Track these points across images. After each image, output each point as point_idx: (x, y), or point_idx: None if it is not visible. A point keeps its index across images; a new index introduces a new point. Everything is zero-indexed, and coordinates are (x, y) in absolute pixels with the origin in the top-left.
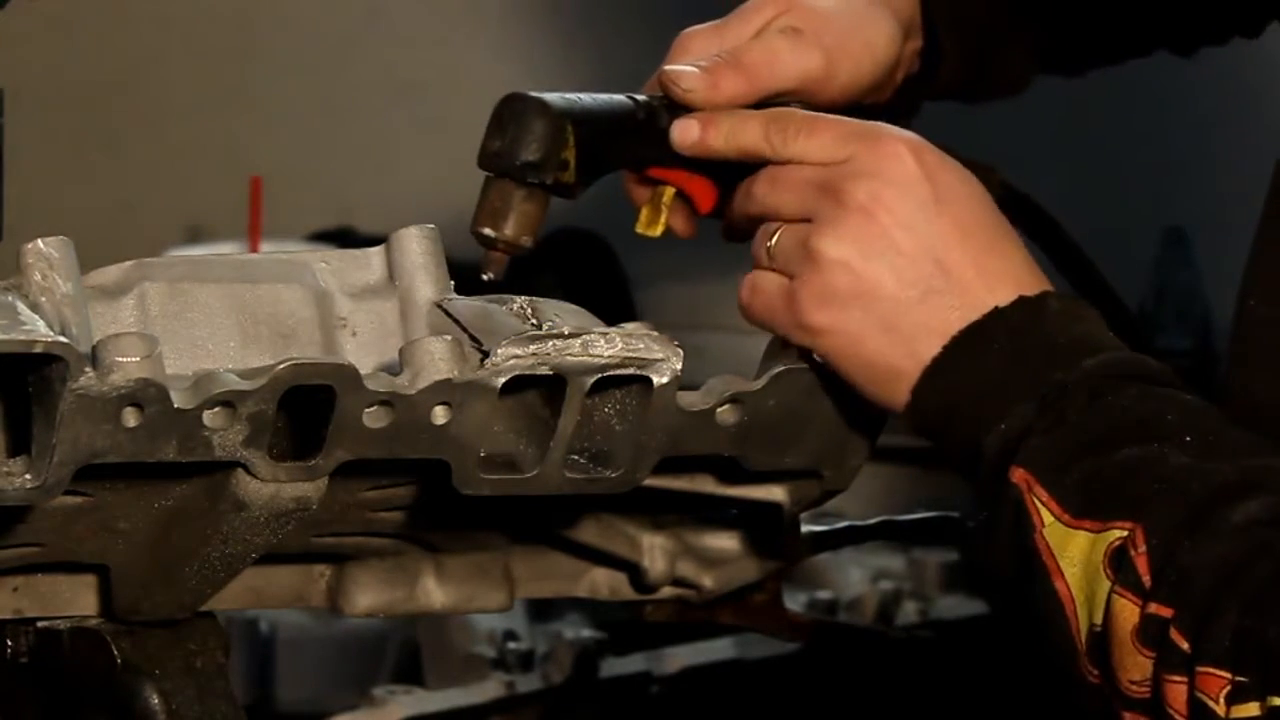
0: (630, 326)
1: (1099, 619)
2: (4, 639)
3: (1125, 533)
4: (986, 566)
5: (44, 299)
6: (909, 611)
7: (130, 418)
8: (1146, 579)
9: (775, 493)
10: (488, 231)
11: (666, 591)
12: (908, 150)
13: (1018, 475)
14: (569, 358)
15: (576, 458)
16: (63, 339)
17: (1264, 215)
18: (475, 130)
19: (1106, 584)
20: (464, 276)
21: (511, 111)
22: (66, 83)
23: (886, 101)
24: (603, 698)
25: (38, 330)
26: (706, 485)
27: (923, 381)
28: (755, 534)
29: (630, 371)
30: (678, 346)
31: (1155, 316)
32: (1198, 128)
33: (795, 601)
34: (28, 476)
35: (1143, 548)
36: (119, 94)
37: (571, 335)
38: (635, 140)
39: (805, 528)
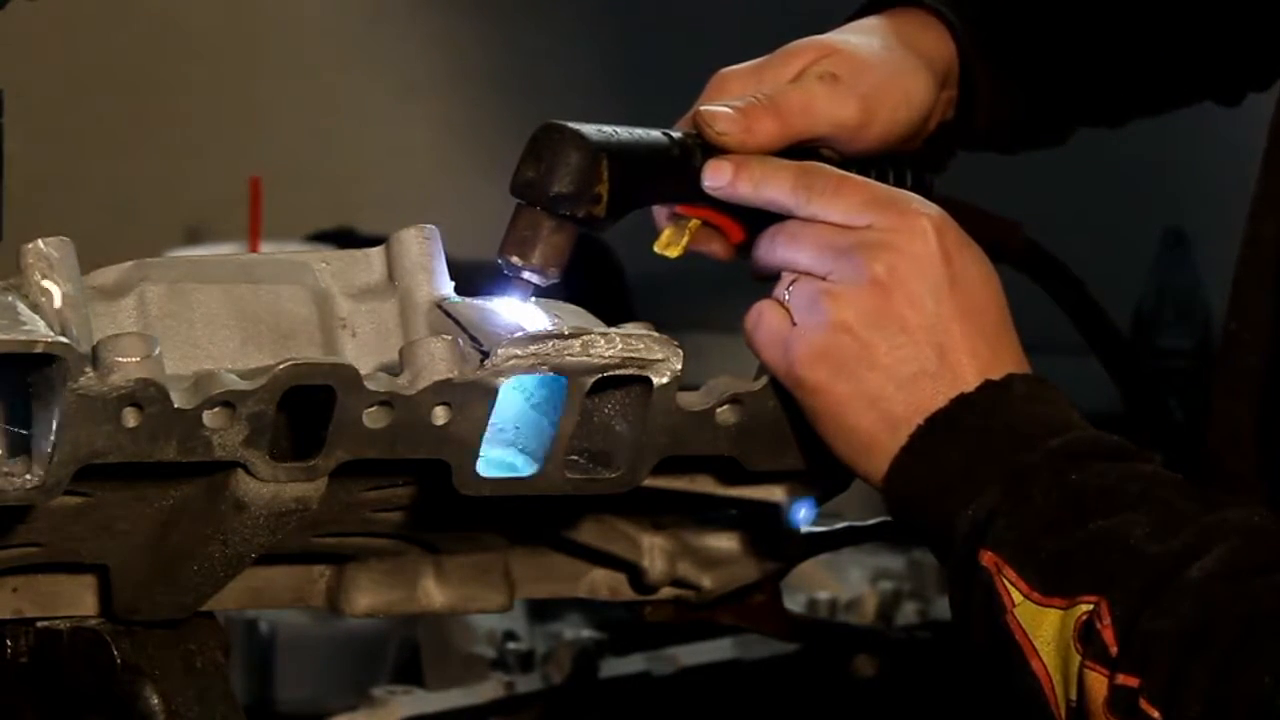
0: (630, 326)
1: (1074, 694)
2: (4, 639)
3: (1091, 606)
4: (964, 648)
5: (44, 299)
6: (909, 612)
7: (130, 418)
8: (1113, 649)
9: (775, 493)
10: (515, 260)
11: (666, 592)
12: (931, 227)
13: (986, 557)
14: (569, 358)
15: (576, 458)
16: (63, 339)
17: (1243, 241)
18: (475, 131)
19: (1078, 659)
20: (464, 276)
21: (547, 141)
22: (66, 83)
23: (917, 149)
24: (603, 698)
25: (38, 330)
26: (706, 485)
27: (894, 467)
28: (755, 534)
29: (630, 372)
30: (678, 347)
31: (1155, 316)
32: (1198, 128)
33: (795, 601)
34: (28, 476)
35: (1107, 619)
36: (119, 94)
37: (571, 335)
38: (667, 178)
39: (805, 528)
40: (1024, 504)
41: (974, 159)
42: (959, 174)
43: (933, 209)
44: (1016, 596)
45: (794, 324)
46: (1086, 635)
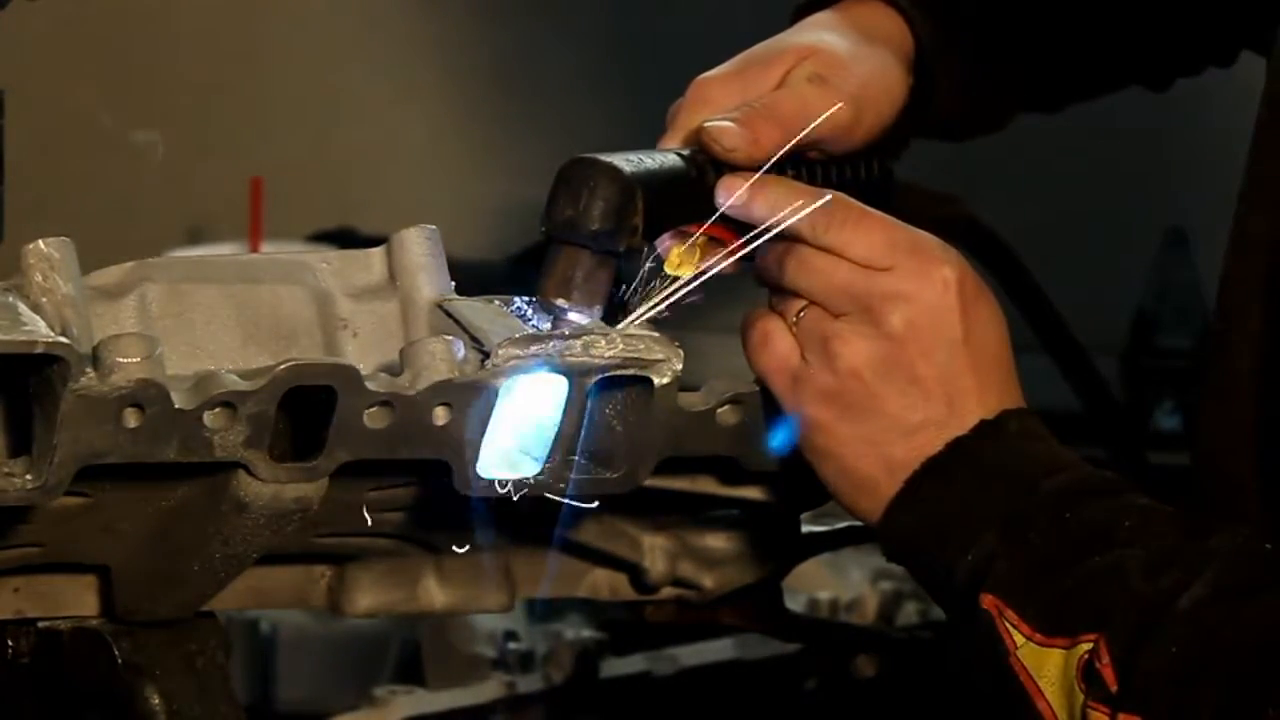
0: (631, 327)
1: None
2: (5, 639)
3: (1092, 645)
4: (969, 690)
5: (45, 300)
6: (909, 612)
7: (131, 418)
8: (1113, 688)
9: (775, 493)
10: (560, 301)
11: (667, 592)
12: (953, 277)
13: (987, 601)
14: (570, 358)
15: (577, 458)
16: (63, 339)
17: (1230, 238)
18: (475, 131)
19: (1081, 698)
20: (464, 277)
21: (582, 177)
22: (66, 83)
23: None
24: (603, 698)
25: (39, 331)
26: (707, 486)
27: (890, 511)
28: (755, 534)
29: (631, 372)
30: (678, 347)
31: (1155, 316)
32: (1198, 128)
33: (795, 601)
34: (29, 477)
35: (1106, 658)
36: (119, 93)
37: (572, 335)
38: (687, 199)
39: (805, 528)
40: (1022, 546)
41: (973, 161)
42: (958, 176)
43: (952, 255)
44: (1019, 639)
45: (803, 356)
46: (1089, 674)
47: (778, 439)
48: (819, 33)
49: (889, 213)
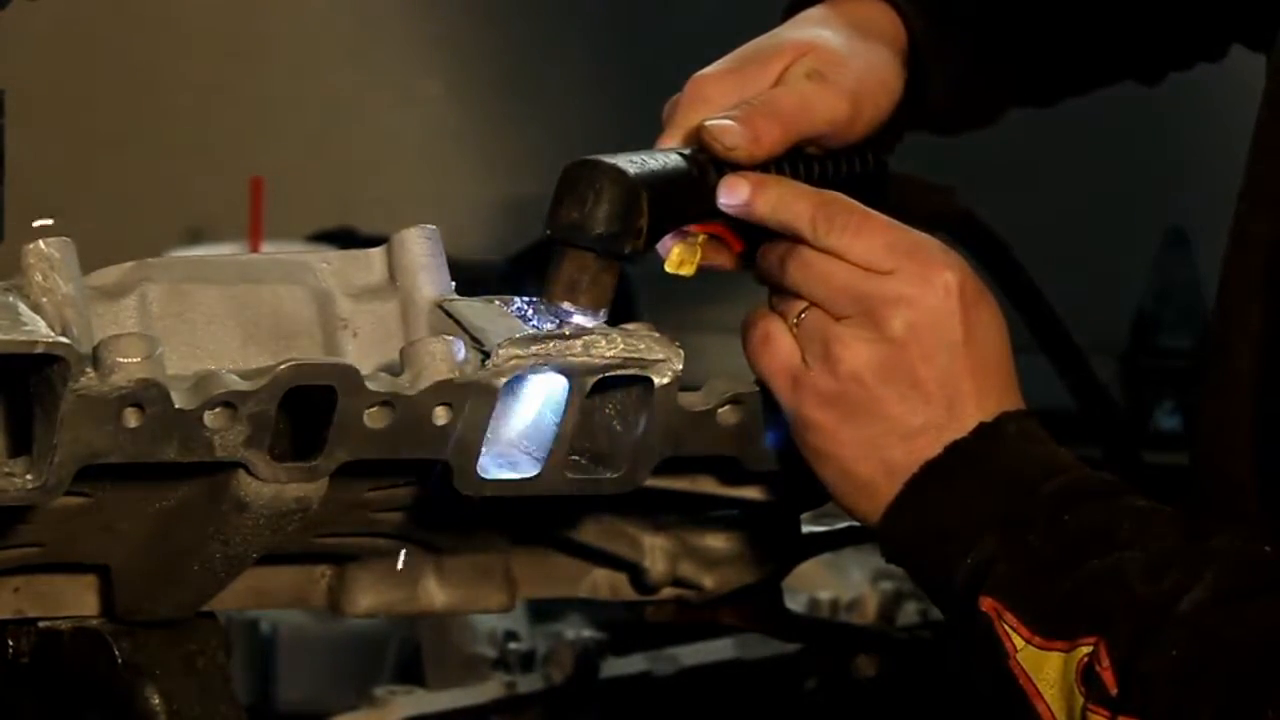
0: (631, 327)
1: None
2: (5, 639)
3: (1091, 648)
4: (968, 690)
5: (45, 300)
6: (909, 612)
7: (131, 418)
8: (1113, 690)
9: (775, 493)
10: (566, 305)
11: (667, 592)
12: (954, 281)
13: (986, 604)
14: (570, 358)
15: (577, 458)
16: (64, 339)
17: (1229, 238)
18: (475, 131)
19: (1081, 701)
20: (464, 277)
21: (587, 180)
22: (66, 83)
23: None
24: (604, 698)
25: (39, 330)
26: (707, 485)
27: (889, 514)
28: (756, 534)
29: (631, 372)
30: (678, 347)
31: (1155, 316)
32: (1198, 128)
33: (796, 601)
34: (29, 477)
35: (1106, 661)
36: (119, 94)
37: (573, 335)
38: (689, 200)
39: (805, 528)
40: (1021, 549)
41: (973, 161)
42: (959, 176)
43: (953, 259)
44: (1018, 642)
45: (804, 359)
46: (1088, 677)
47: (774, 438)
48: (814, 29)
49: (884, 205)
